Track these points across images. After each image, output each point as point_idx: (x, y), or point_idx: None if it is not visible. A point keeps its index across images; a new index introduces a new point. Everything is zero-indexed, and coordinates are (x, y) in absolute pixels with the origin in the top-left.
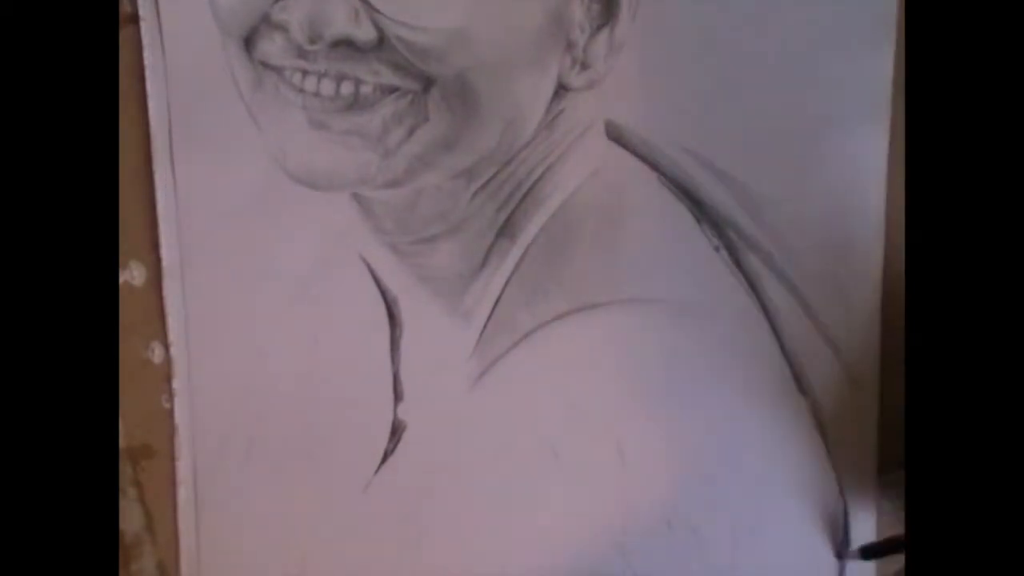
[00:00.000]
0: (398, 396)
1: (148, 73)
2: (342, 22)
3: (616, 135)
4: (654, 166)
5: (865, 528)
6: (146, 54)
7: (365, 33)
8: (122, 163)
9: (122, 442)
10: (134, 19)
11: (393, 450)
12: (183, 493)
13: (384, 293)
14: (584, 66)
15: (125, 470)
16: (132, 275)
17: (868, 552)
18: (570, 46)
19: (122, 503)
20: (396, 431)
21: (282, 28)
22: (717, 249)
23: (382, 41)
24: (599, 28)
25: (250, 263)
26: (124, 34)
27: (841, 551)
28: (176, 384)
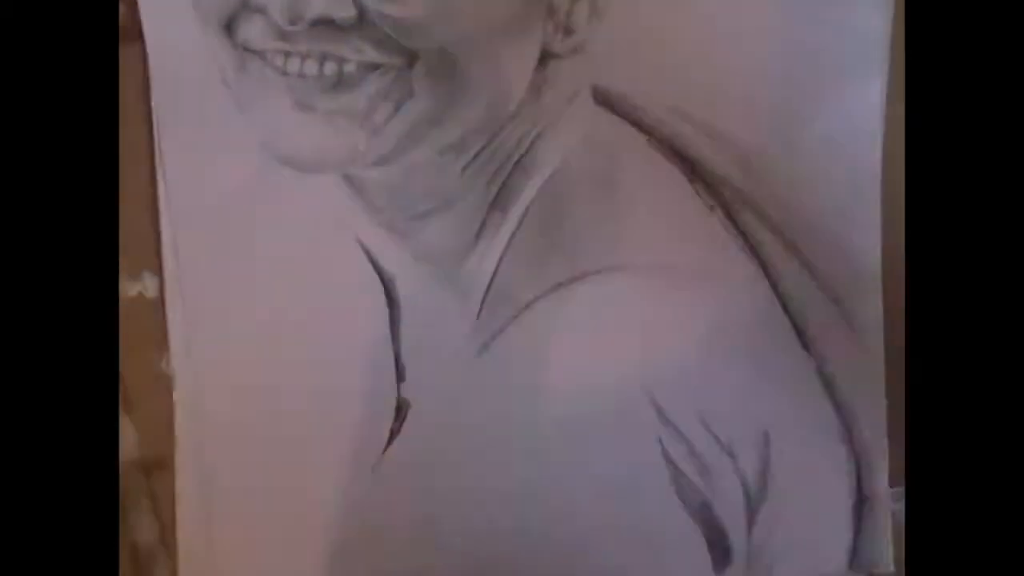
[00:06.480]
0: (400, 376)
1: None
2: (321, 1)
3: (604, 100)
4: (644, 128)
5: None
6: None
7: (345, 10)
8: (124, 169)
9: (136, 454)
10: None
11: (399, 430)
12: (183, 508)
13: (381, 273)
14: (568, 31)
15: (139, 482)
16: (145, 286)
17: None
18: (552, 11)
19: (136, 515)
20: (400, 411)
21: (261, 10)
22: (712, 208)
23: (363, 18)
24: None
25: (245, 255)
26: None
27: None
28: (176, 395)
